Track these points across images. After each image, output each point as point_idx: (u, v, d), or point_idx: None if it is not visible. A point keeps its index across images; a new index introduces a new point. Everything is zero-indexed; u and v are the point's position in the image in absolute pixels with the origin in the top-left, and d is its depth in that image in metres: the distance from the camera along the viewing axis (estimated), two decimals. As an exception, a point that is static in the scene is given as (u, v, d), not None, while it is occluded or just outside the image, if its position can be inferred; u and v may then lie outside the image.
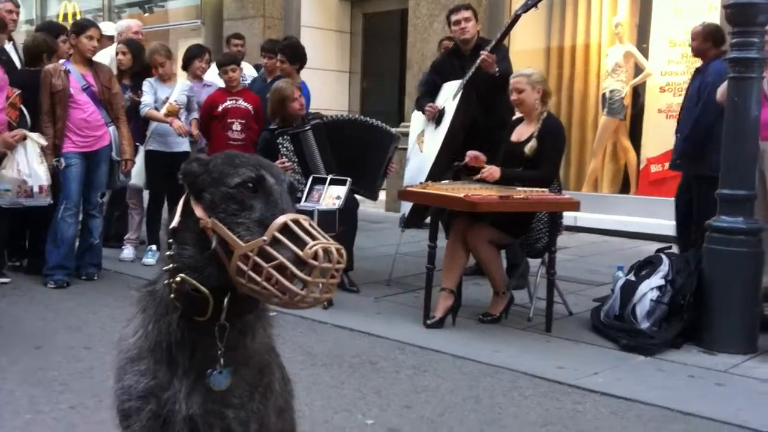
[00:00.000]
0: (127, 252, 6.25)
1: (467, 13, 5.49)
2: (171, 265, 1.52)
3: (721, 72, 5.44)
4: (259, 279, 1.39)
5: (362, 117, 5.94)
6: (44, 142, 5.21)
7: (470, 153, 4.76)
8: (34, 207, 5.25)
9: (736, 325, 4.07)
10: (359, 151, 5.51)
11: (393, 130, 5.76)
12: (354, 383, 3.55)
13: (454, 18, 5.54)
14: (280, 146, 5.34)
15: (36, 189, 5.13)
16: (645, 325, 4.15)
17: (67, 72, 5.34)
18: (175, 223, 1.54)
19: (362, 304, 4.98)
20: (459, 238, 4.53)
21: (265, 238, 1.40)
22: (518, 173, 4.61)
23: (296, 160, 5.34)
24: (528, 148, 4.55)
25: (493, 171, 4.60)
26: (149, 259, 5.93)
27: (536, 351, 4.09)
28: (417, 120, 5.83)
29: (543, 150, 4.54)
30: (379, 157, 5.54)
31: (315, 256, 1.38)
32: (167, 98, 6.05)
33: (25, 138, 5.14)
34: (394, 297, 5.19)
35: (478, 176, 4.68)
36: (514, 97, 4.71)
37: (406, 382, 3.60)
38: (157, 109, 6.03)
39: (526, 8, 5.21)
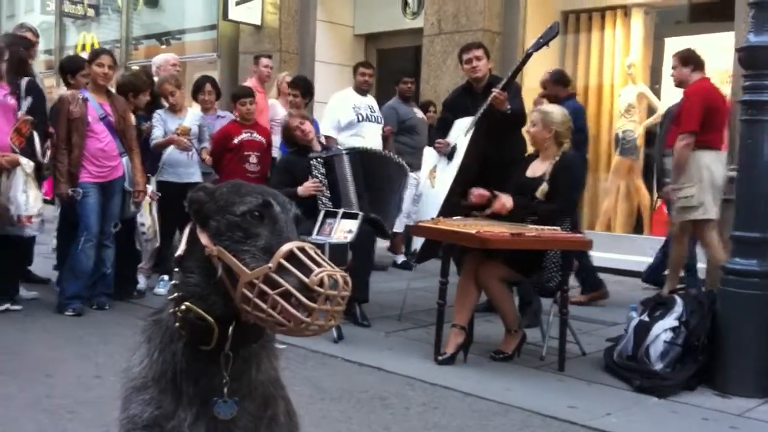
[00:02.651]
0: (140, 281, 6.26)
1: (479, 52, 5.52)
2: (176, 294, 1.52)
3: (575, 109, 6.05)
4: (264, 306, 1.39)
5: (391, 154, 6.02)
6: (29, 171, 5.12)
7: (474, 191, 4.77)
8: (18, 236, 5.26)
9: (751, 368, 4.01)
10: (385, 187, 5.61)
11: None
12: (363, 419, 3.52)
13: (465, 57, 5.57)
14: (313, 169, 5.48)
15: (15, 218, 5.08)
16: (659, 366, 4.10)
17: (85, 100, 5.39)
18: (180, 251, 1.55)
19: (373, 339, 4.95)
20: (470, 275, 4.51)
21: (270, 265, 1.40)
22: (532, 203, 4.60)
23: (326, 183, 5.44)
24: (540, 192, 4.57)
25: (505, 201, 4.60)
26: (161, 289, 5.93)
27: (548, 390, 4.04)
28: (429, 155, 5.86)
29: (556, 185, 4.54)
30: (397, 196, 5.65)
31: (321, 283, 1.37)
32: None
33: (17, 163, 5.07)
34: (405, 332, 5.16)
35: (489, 210, 4.66)
36: (528, 127, 4.78)
37: (415, 418, 3.56)
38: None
39: (537, 47, 5.24)
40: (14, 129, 5.17)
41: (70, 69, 6.07)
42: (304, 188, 5.38)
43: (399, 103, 7.77)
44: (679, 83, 5.95)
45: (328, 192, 5.45)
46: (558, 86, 6.47)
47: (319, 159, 5.50)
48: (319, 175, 5.47)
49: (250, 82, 7.72)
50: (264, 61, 7.96)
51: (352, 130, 6.96)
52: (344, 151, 5.61)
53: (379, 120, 7.29)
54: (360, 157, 5.64)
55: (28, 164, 5.16)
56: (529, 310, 5.15)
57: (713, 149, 5.64)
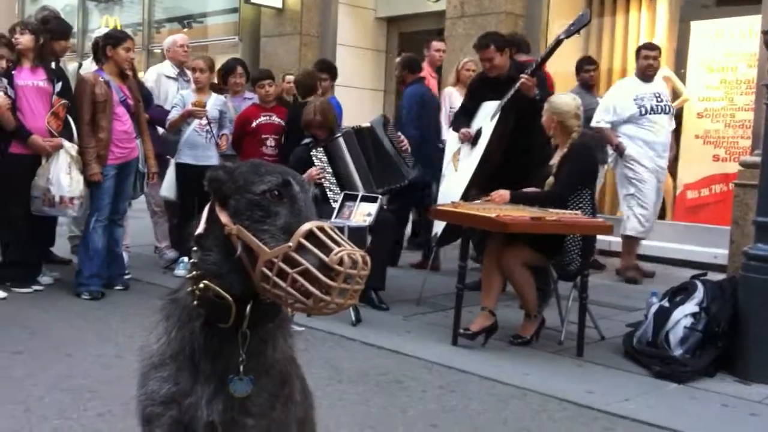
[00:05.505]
0: (171, 254, 6.47)
1: (489, 52, 5.35)
2: (194, 272, 1.53)
3: (414, 94, 6.68)
4: (284, 284, 1.39)
5: (363, 124, 5.90)
6: (74, 153, 5.26)
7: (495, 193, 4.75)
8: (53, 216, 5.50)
9: (772, 354, 3.97)
10: (383, 154, 5.63)
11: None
12: (380, 401, 3.53)
13: (478, 57, 5.53)
14: (314, 158, 5.48)
15: (57, 199, 5.18)
16: (678, 352, 4.07)
17: (107, 83, 5.40)
18: (200, 229, 1.55)
19: (391, 322, 4.95)
20: (493, 259, 4.49)
21: (290, 244, 1.41)
22: (528, 194, 4.62)
23: (330, 171, 5.46)
24: (547, 184, 4.59)
25: (502, 194, 4.65)
26: (181, 271, 5.98)
27: (566, 375, 4.03)
28: (454, 138, 5.82)
29: (561, 171, 4.52)
30: (382, 149, 5.62)
31: (341, 262, 1.37)
32: None
33: (61, 147, 5.22)
34: (424, 316, 5.16)
35: (487, 198, 4.72)
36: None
37: (432, 401, 3.56)
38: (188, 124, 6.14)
39: (568, 34, 5.14)
40: (51, 113, 5.27)
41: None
42: (308, 175, 5.37)
43: (580, 91, 6.75)
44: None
45: (333, 178, 5.46)
46: (405, 70, 6.83)
47: (318, 149, 5.51)
48: (323, 164, 5.48)
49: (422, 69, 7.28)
50: (435, 44, 7.53)
51: (635, 123, 6.40)
52: (338, 135, 5.57)
53: (668, 109, 6.52)
54: (353, 135, 5.58)
55: (72, 147, 5.30)
56: (546, 298, 5.12)
57: None
